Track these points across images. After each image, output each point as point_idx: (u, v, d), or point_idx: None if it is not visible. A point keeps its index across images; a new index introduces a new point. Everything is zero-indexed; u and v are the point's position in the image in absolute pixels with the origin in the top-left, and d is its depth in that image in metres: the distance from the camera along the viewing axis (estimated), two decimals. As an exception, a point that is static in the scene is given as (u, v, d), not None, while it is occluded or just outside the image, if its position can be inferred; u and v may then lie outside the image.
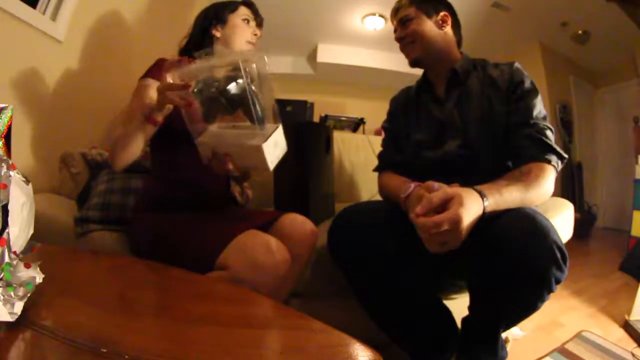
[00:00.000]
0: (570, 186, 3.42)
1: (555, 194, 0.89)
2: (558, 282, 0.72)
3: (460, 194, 0.68)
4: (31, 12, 1.24)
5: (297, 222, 0.98)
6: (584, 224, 3.16)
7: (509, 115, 0.93)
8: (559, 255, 0.69)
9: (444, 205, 0.69)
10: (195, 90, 0.73)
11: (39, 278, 0.47)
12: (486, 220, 0.71)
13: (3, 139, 0.44)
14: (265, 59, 0.73)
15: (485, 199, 0.71)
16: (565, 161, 0.88)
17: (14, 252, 0.45)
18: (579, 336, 1.30)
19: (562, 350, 1.20)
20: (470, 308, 0.86)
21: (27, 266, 0.47)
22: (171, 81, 0.76)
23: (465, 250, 0.71)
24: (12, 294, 0.43)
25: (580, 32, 3.14)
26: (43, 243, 0.51)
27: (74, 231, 1.05)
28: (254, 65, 0.71)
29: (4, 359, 0.38)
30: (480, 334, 0.86)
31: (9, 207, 0.42)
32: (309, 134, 1.49)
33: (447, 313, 0.93)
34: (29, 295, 0.45)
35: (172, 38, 1.14)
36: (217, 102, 0.72)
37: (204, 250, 0.82)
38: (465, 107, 0.97)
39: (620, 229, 3.21)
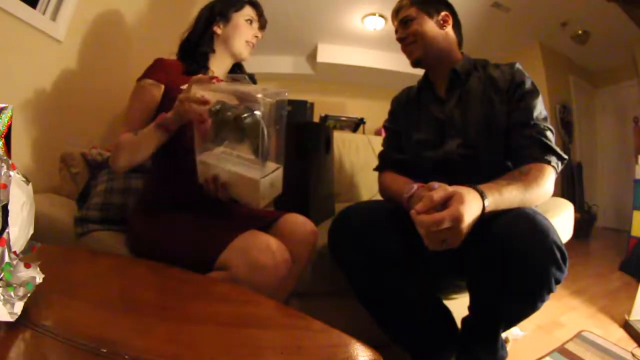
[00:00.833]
0: (570, 186, 3.41)
1: (555, 194, 0.89)
2: (558, 282, 0.72)
3: (460, 192, 0.68)
4: (31, 12, 1.24)
5: (297, 223, 0.98)
6: (584, 224, 3.15)
7: (509, 115, 0.93)
8: (558, 255, 0.69)
9: (444, 203, 0.69)
10: (213, 109, 0.75)
11: (39, 278, 0.47)
12: (486, 220, 0.71)
13: (3, 139, 0.45)
14: (286, 95, 0.76)
15: (485, 198, 0.71)
16: (565, 162, 0.88)
17: (14, 252, 0.45)
18: (579, 336, 1.30)
19: (562, 350, 1.20)
20: (470, 308, 0.86)
21: (27, 266, 0.47)
22: (196, 94, 0.77)
23: (465, 250, 0.71)
24: (12, 294, 0.43)
25: (580, 32, 3.14)
26: (43, 243, 0.51)
27: (74, 231, 1.04)
28: (274, 103, 0.73)
29: (4, 359, 0.38)
30: (480, 334, 0.86)
31: (9, 207, 0.43)
32: (309, 134, 1.49)
33: (447, 313, 0.93)
34: (29, 295, 0.45)
35: (171, 38, 1.14)
36: (229, 127, 0.74)
37: (204, 250, 0.82)
38: (466, 107, 0.97)
39: (620, 229, 3.20)
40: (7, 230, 0.42)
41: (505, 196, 0.75)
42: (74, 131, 1.47)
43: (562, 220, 1.11)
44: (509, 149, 0.92)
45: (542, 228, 0.70)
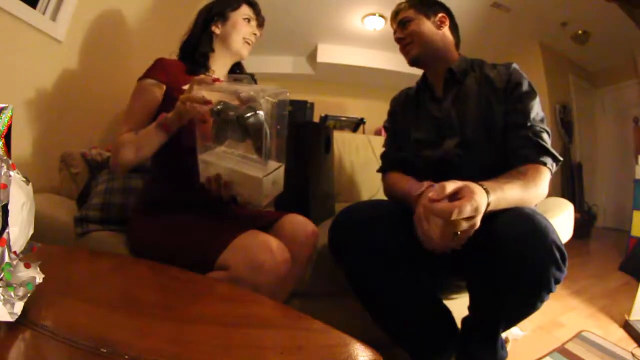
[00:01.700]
0: (570, 186, 3.41)
1: (555, 194, 0.90)
2: (557, 282, 0.72)
3: (469, 186, 0.69)
4: (31, 12, 1.24)
5: (298, 223, 0.98)
6: (584, 224, 3.15)
7: (506, 115, 0.93)
8: (558, 255, 0.69)
9: (454, 195, 0.69)
10: (215, 109, 0.75)
11: (39, 278, 0.47)
12: (485, 220, 0.71)
13: (3, 139, 0.45)
14: (288, 94, 0.76)
15: (489, 194, 0.71)
16: (560, 163, 0.89)
17: (14, 252, 0.45)
18: (579, 336, 1.30)
19: (562, 350, 1.20)
20: (470, 308, 0.86)
21: (27, 266, 0.47)
22: (197, 93, 0.77)
23: (465, 250, 0.71)
24: (12, 294, 0.43)
25: (580, 32, 3.14)
26: (43, 243, 0.51)
27: (74, 231, 1.05)
28: (275, 102, 0.73)
29: (4, 359, 0.38)
30: (480, 334, 0.86)
31: (9, 207, 0.43)
32: (309, 134, 1.49)
33: (447, 313, 0.93)
34: (29, 295, 0.45)
35: (172, 38, 1.14)
36: (231, 126, 0.74)
37: (204, 250, 0.82)
38: (462, 106, 0.98)
39: (620, 229, 3.20)
40: (7, 230, 0.42)
41: (506, 193, 0.75)
42: (74, 131, 1.47)
43: (562, 220, 1.11)
44: (505, 148, 0.92)
45: (542, 228, 0.70)
